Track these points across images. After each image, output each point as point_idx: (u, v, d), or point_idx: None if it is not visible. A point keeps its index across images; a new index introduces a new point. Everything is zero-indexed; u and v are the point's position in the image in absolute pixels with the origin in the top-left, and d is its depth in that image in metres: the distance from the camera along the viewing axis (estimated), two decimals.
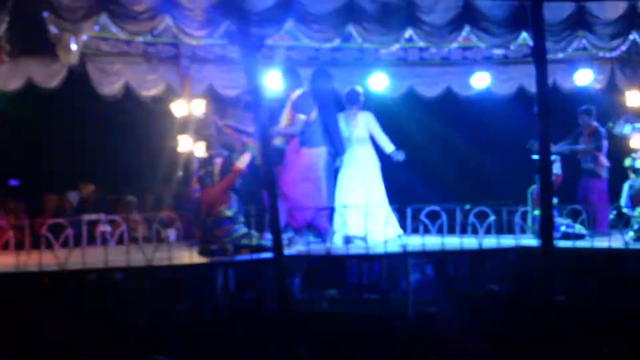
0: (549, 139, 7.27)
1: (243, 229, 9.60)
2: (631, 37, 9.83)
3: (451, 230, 10.65)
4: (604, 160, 11.76)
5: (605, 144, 11.77)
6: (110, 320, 8.88)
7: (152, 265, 8.61)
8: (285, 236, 9.44)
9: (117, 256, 8.79)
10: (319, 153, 10.33)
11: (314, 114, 10.25)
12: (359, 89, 11.23)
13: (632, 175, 10.56)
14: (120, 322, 8.97)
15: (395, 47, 9.87)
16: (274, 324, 8.19)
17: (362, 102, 11.17)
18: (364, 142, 11.02)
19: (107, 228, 11.17)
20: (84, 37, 8.93)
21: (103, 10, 8.30)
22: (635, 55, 12.34)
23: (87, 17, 8.36)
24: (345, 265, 11.30)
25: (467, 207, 10.39)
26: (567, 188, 11.36)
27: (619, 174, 11.29)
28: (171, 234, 10.91)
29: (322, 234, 10.22)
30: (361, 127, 11.04)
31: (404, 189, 11.76)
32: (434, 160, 13.80)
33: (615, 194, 11.16)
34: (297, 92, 10.31)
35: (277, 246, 8.40)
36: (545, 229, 7.39)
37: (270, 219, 8.64)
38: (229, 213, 9.51)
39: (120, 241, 9.84)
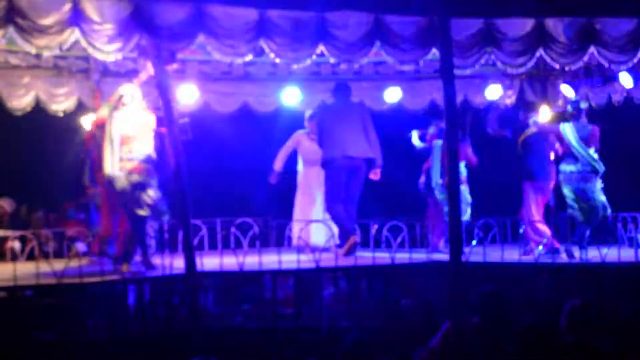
0: (456, 153, 7.38)
1: None
2: (538, 53, 10.01)
3: (365, 245, 10.76)
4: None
5: None
6: (20, 337, 8.71)
7: (62, 282, 8.49)
8: None
9: (27, 272, 8.66)
10: None
11: None
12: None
13: None
14: (29, 339, 8.81)
15: (308, 62, 9.90)
16: (187, 339, 8.14)
17: None
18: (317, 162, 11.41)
19: (17, 244, 11.01)
20: None
21: (9, 23, 8.13)
22: (543, 71, 12.64)
23: None
24: (260, 280, 11.30)
25: None
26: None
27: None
28: (80, 247, 10.81)
29: None
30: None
31: None
32: None
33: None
34: None
35: (190, 262, 8.35)
36: (454, 244, 7.49)
37: (184, 236, 8.59)
38: None
39: (30, 257, 9.72)
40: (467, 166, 11.42)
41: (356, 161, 10.48)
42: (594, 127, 9.97)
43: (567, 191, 10.11)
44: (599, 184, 9.99)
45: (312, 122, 11.70)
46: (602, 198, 10.02)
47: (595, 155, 9.98)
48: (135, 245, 9.35)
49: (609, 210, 9.98)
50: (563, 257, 9.89)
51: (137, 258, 9.41)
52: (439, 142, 11.19)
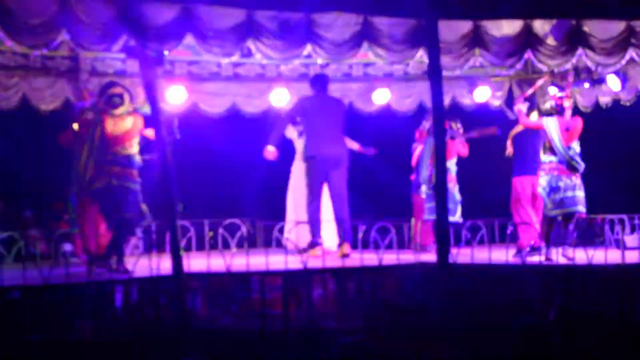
0: (444, 154, 7.39)
1: None
2: (526, 55, 10.03)
3: (353, 246, 10.75)
4: None
5: None
6: (6, 338, 8.68)
7: (49, 284, 8.45)
8: None
9: (14, 273, 8.62)
10: None
11: None
12: None
13: None
14: (16, 340, 8.78)
15: (295, 63, 9.91)
16: (175, 341, 8.12)
17: None
18: None
19: None
20: None
21: None
22: (531, 72, 12.65)
23: None
24: (248, 281, 11.28)
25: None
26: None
27: None
28: (67, 247, 10.77)
29: None
30: None
31: None
32: None
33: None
34: None
35: (177, 263, 8.33)
36: (442, 246, 7.49)
37: (171, 237, 8.57)
38: None
39: (18, 257, 9.69)
40: (458, 162, 11.39)
41: (340, 156, 10.51)
42: (576, 119, 9.91)
43: (542, 181, 10.03)
44: (577, 180, 9.90)
45: None
46: (579, 194, 9.91)
47: (578, 149, 9.91)
48: (114, 250, 9.32)
49: (580, 208, 9.87)
50: (560, 259, 9.83)
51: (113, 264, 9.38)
52: (430, 139, 11.11)
